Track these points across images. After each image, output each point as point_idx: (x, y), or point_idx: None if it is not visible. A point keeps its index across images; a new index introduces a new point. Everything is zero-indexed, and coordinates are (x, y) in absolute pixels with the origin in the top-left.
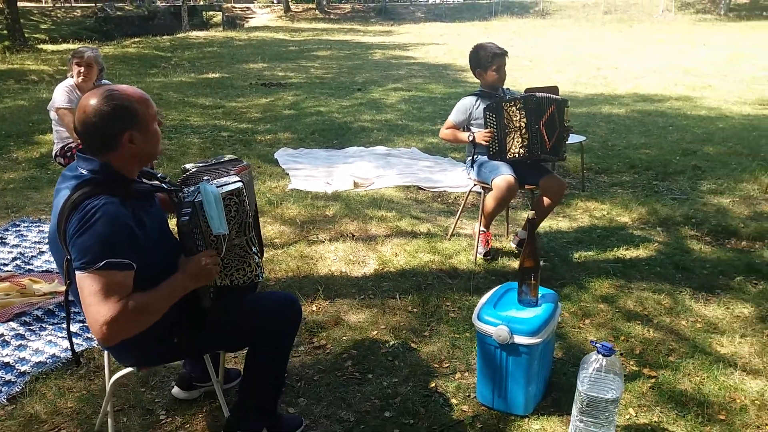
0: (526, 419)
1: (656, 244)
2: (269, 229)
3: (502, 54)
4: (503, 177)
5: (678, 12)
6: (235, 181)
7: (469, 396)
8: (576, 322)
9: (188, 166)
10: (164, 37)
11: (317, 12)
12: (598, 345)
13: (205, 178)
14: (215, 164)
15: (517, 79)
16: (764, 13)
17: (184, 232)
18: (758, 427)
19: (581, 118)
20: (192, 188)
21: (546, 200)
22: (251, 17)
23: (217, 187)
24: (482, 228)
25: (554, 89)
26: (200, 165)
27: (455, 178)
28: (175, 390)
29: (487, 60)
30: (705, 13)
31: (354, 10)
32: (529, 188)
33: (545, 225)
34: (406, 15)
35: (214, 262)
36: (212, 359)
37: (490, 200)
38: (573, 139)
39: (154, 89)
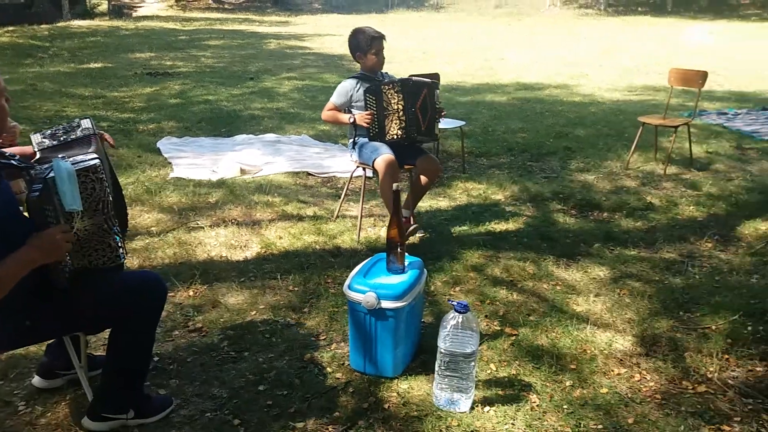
0: (395, 380)
1: (525, 218)
2: (145, 217)
3: (380, 37)
4: (383, 157)
5: (563, 7)
6: (93, 159)
7: (343, 364)
8: (447, 290)
9: (35, 136)
10: (42, 26)
11: (210, 2)
12: (454, 303)
13: (60, 155)
14: (66, 139)
15: (409, 69)
16: (639, 9)
17: (32, 208)
18: (604, 373)
19: (466, 106)
20: (45, 165)
21: (423, 179)
22: (140, 6)
23: (73, 164)
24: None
25: (435, 76)
26: (48, 135)
27: (345, 163)
28: (36, 380)
29: (367, 43)
30: (587, 8)
31: (249, 0)
32: (407, 168)
33: (426, 204)
34: (303, 6)
35: (67, 237)
36: (73, 343)
37: (382, 184)
38: (453, 123)
39: (28, 79)
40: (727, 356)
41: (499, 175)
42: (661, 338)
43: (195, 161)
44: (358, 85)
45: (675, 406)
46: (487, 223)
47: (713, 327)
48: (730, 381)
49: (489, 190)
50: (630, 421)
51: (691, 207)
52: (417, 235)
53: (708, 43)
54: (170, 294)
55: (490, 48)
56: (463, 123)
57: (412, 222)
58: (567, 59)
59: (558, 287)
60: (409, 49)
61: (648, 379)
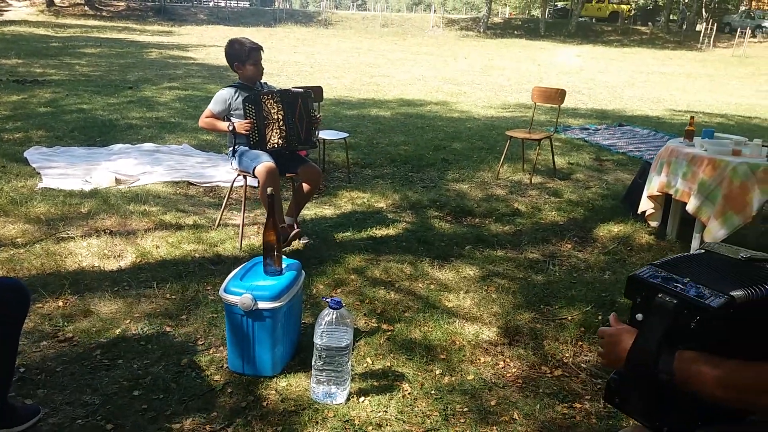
0: (274, 379)
1: (405, 223)
2: (9, 228)
3: (258, 48)
4: (264, 164)
5: (445, 28)
6: None
7: (222, 367)
8: (329, 292)
9: None
10: None
11: (86, 8)
12: (328, 300)
13: None
14: None
15: (297, 82)
16: (515, 32)
17: None
18: (471, 361)
19: (352, 120)
20: None
21: (305, 187)
22: (6, 10)
23: None
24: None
25: (318, 90)
26: None
27: (227, 172)
28: None
29: (244, 54)
30: (468, 30)
31: (129, 8)
32: (289, 176)
33: (311, 212)
34: (187, 16)
35: None
36: None
37: (261, 190)
38: (338, 135)
39: None
40: (580, 343)
41: (383, 184)
42: (523, 329)
43: (66, 171)
44: (237, 94)
45: (534, 388)
46: (369, 229)
47: (569, 318)
48: (582, 364)
49: (372, 198)
50: (492, 403)
51: (554, 212)
52: (301, 241)
53: (575, 65)
54: (38, 305)
55: (376, 65)
56: (347, 135)
57: (295, 228)
58: (447, 78)
59: (432, 286)
60: (298, 62)
61: (511, 365)
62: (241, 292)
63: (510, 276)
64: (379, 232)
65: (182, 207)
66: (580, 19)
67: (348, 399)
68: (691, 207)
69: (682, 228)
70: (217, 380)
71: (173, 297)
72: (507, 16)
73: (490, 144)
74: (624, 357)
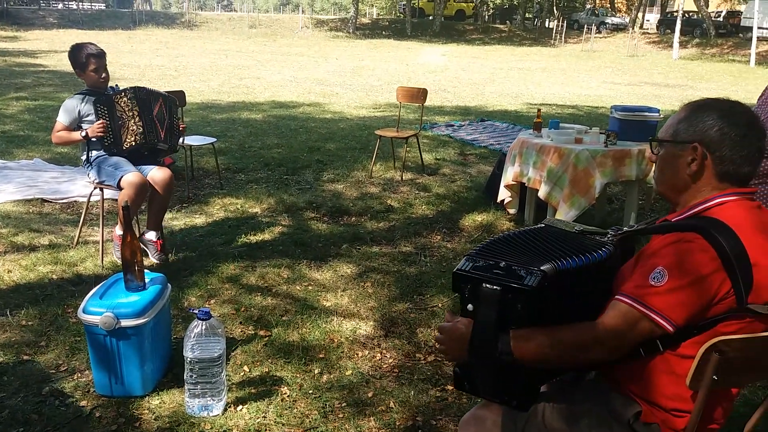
0: (146, 398)
1: (281, 227)
2: None
3: (99, 54)
4: (132, 174)
5: (315, 29)
6: None
7: (88, 391)
8: (202, 304)
9: None
10: None
11: None
12: (196, 311)
13: None
14: None
15: (161, 87)
16: (383, 33)
17: None
18: (350, 357)
19: (222, 123)
20: None
21: (157, 191)
22: None
23: None
24: (121, 232)
25: (180, 94)
26: None
27: (86, 187)
28: None
29: (83, 60)
30: (337, 30)
31: None
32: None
33: (181, 222)
34: (35, 20)
35: None
36: None
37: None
38: (205, 140)
39: None
40: None
41: (257, 189)
42: (398, 320)
43: None
44: (85, 100)
45: (409, 376)
46: (243, 236)
47: (440, 305)
48: (435, 347)
49: (246, 204)
50: (370, 395)
51: (424, 206)
52: (154, 257)
53: (440, 63)
54: None
55: (245, 67)
56: (215, 140)
57: (157, 241)
58: (319, 79)
59: (310, 287)
60: (161, 66)
61: (388, 356)
62: (100, 311)
63: (385, 270)
64: (254, 237)
65: (36, 226)
66: (429, 18)
67: (225, 409)
68: (542, 193)
69: (537, 213)
70: (84, 405)
71: (30, 323)
72: (375, 16)
73: (363, 143)
74: (465, 348)
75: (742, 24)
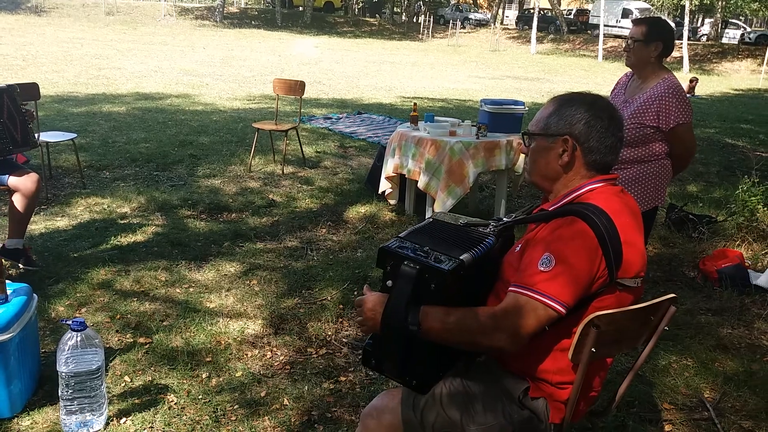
0: (15, 419)
1: (154, 227)
2: None
3: None
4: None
5: (179, 17)
6: None
7: None
8: (72, 313)
9: None
10: None
11: None
12: (69, 322)
13: None
14: None
15: (7, 79)
16: (253, 22)
17: None
18: (239, 358)
19: (81, 118)
20: None
21: (20, 199)
22: None
23: None
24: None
25: (33, 86)
26: None
27: None
28: None
29: None
30: (203, 19)
31: None
32: (4, 189)
33: (40, 225)
34: None
35: None
36: None
37: None
38: (63, 136)
39: None
40: (341, 319)
41: (124, 187)
42: (287, 316)
43: None
44: None
45: (302, 371)
46: (113, 238)
47: (329, 297)
48: (344, 339)
49: (114, 203)
50: (263, 394)
51: (307, 200)
52: (23, 266)
53: (313, 55)
54: None
55: (104, 56)
56: (75, 135)
57: (28, 249)
58: (187, 69)
59: (191, 289)
60: (5, 55)
61: (279, 354)
62: None
63: (271, 267)
64: (125, 239)
65: None
66: (299, 9)
67: (107, 423)
68: (421, 184)
69: (417, 203)
70: None
71: None
72: (243, 5)
73: (239, 137)
74: (379, 319)
75: (590, 22)
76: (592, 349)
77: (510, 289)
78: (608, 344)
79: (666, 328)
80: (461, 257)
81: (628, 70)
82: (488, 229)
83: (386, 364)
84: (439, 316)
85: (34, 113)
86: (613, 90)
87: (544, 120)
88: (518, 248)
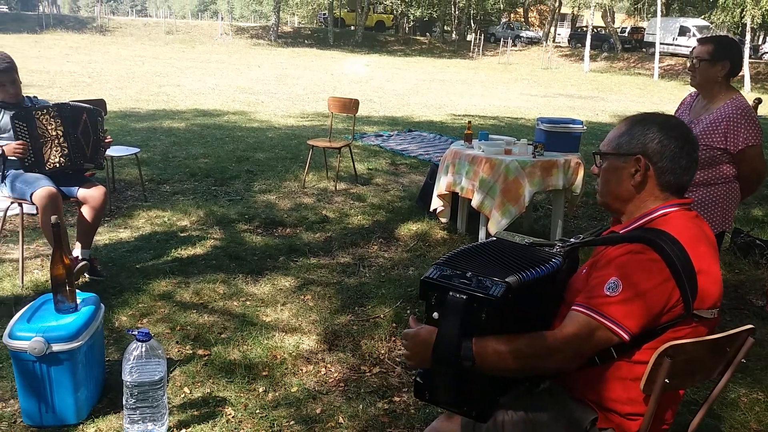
0: (80, 426)
1: (213, 240)
2: None
3: (5, 71)
4: (42, 189)
5: (235, 36)
6: None
7: (15, 422)
8: (134, 323)
9: None
10: None
11: None
12: (135, 332)
13: None
14: None
15: (73, 95)
16: (305, 41)
17: None
18: (294, 373)
19: (142, 133)
20: None
21: (88, 210)
22: None
23: None
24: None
25: (100, 103)
26: None
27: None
28: None
29: None
30: (258, 38)
31: None
32: (73, 200)
33: (105, 237)
34: None
35: None
36: None
37: (41, 220)
38: (127, 151)
39: None
40: (394, 338)
41: (184, 201)
42: (341, 332)
43: None
44: (2, 114)
45: (356, 389)
46: (173, 250)
47: (381, 315)
48: (397, 359)
49: (174, 216)
50: (318, 411)
51: (360, 216)
52: (89, 276)
53: (364, 73)
54: None
55: (164, 74)
56: (138, 150)
57: (82, 260)
58: (242, 87)
59: (248, 302)
60: (73, 72)
61: (333, 370)
62: (29, 335)
63: (324, 282)
64: (185, 252)
65: None
66: (350, 28)
67: None
68: (475, 202)
69: (470, 221)
70: None
71: None
72: (296, 25)
73: (294, 153)
74: (429, 355)
75: (645, 39)
76: (666, 380)
77: (573, 308)
78: (682, 375)
79: (743, 360)
80: (507, 280)
81: (687, 89)
82: (554, 250)
83: (441, 396)
84: (494, 347)
85: (109, 138)
86: (677, 110)
87: (615, 139)
88: (584, 271)
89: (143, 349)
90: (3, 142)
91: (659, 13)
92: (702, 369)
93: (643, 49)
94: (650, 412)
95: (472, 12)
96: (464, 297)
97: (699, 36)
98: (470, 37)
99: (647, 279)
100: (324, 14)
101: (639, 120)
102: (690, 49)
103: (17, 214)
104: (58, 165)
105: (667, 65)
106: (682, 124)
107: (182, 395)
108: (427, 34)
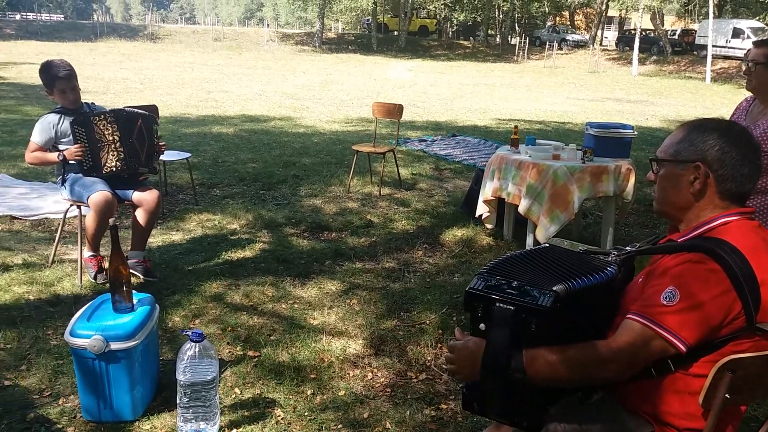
0: (137, 423)
1: (261, 244)
2: None
3: (66, 78)
4: (99, 193)
5: (281, 43)
6: None
7: (75, 417)
8: (186, 324)
9: None
10: None
11: None
12: (189, 333)
13: None
14: None
15: (126, 101)
16: (349, 47)
17: None
18: (341, 377)
19: (192, 138)
20: None
21: (142, 214)
22: None
23: None
24: (91, 253)
25: (152, 108)
26: None
27: (57, 203)
28: None
29: (50, 82)
30: (303, 44)
31: None
32: (128, 204)
33: (158, 239)
34: None
35: None
36: None
37: (89, 221)
38: (179, 156)
39: None
40: (440, 345)
41: (233, 204)
42: (387, 337)
43: None
44: (61, 120)
45: (402, 395)
46: (223, 253)
47: (427, 321)
48: (444, 366)
49: (224, 220)
50: (365, 415)
51: (404, 221)
52: (143, 277)
53: (407, 78)
54: None
55: (212, 80)
56: (189, 155)
57: (141, 261)
58: (288, 93)
59: (296, 305)
60: (126, 79)
61: (379, 375)
62: (89, 334)
63: (370, 287)
64: (235, 254)
65: (7, 244)
66: (394, 33)
67: None
68: (522, 208)
69: (516, 228)
70: None
71: (9, 347)
72: (340, 31)
73: (338, 158)
74: (477, 367)
75: (696, 42)
76: (726, 395)
77: (628, 316)
78: (744, 391)
79: None
80: (555, 288)
81: (742, 93)
82: (609, 258)
83: (490, 407)
84: (546, 357)
85: (164, 144)
86: (732, 115)
87: (674, 146)
88: (640, 280)
89: (197, 349)
90: (63, 147)
91: (711, 15)
92: (764, 384)
93: (695, 52)
94: (710, 428)
95: (516, 16)
96: (512, 308)
97: (754, 38)
98: (514, 40)
99: (706, 289)
100: (367, 20)
101: (698, 126)
102: (744, 52)
103: (76, 216)
104: (114, 169)
105: (720, 68)
106: (743, 131)
107: (233, 395)
108: (471, 38)
